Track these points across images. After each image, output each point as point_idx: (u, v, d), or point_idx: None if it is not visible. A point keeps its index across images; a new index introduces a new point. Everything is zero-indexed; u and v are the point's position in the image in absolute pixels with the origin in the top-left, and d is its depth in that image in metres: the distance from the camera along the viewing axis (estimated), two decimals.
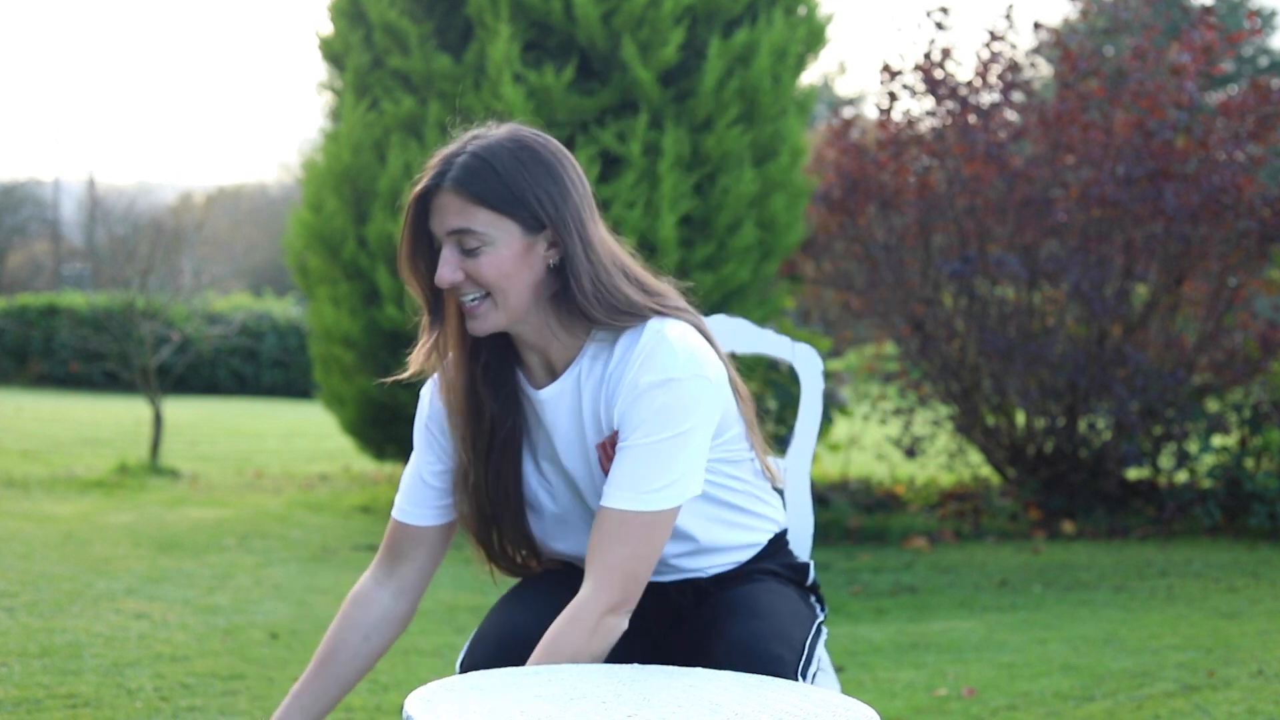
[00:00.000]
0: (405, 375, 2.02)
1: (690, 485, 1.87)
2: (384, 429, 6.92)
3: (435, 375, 2.04)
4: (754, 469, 2.04)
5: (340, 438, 8.39)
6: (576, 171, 1.92)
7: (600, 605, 1.81)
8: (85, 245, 22.89)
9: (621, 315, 1.88)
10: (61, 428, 10.96)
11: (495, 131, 1.90)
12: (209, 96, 66.83)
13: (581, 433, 1.94)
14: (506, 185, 1.85)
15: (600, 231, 1.92)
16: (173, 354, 10.97)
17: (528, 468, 2.02)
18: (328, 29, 7.09)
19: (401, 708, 1.64)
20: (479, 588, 5.04)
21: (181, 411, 12.53)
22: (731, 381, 1.96)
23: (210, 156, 59.57)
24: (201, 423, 12.12)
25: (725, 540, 2.03)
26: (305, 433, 11.56)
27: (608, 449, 1.91)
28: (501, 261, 1.85)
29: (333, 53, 7.07)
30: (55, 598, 4.41)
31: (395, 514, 2.08)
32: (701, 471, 1.89)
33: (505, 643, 1.90)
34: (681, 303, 1.97)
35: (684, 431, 1.85)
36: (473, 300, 1.88)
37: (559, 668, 1.72)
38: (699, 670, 1.73)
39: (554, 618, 1.89)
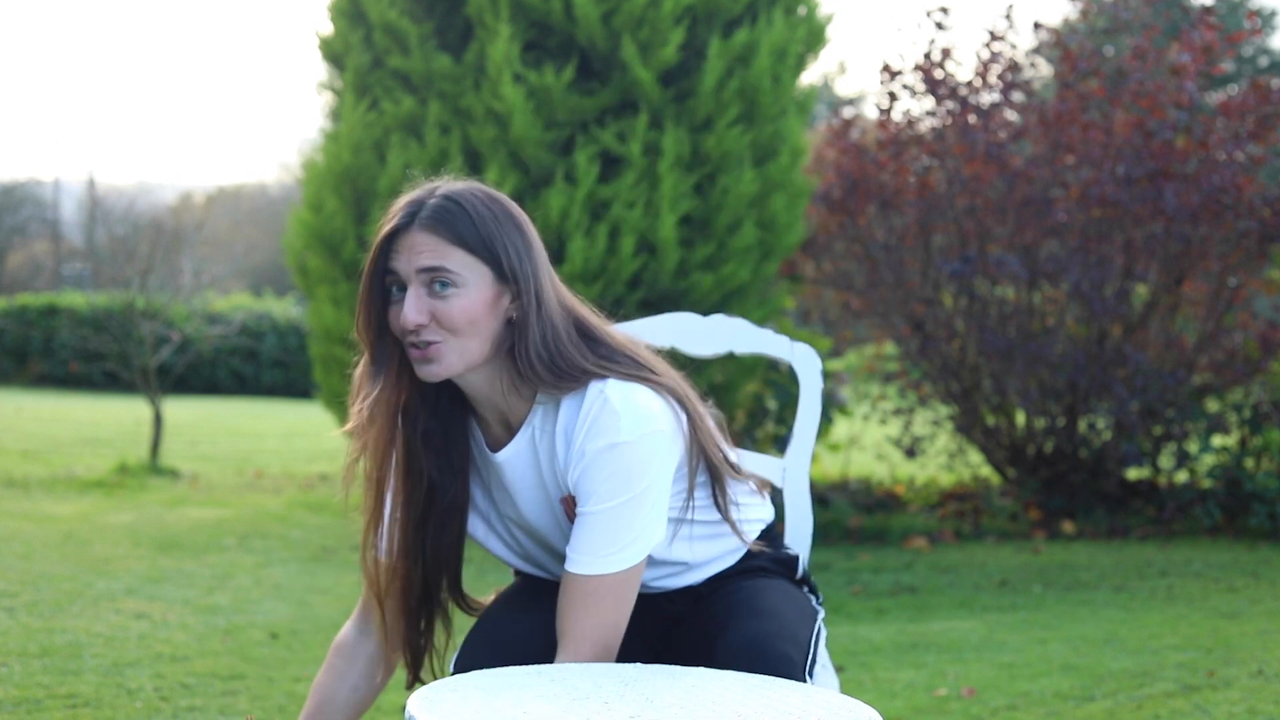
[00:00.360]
0: (350, 426, 1.97)
1: (652, 538, 1.86)
2: None
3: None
4: (726, 481, 2.01)
5: (340, 438, 8.38)
6: (535, 232, 1.91)
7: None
8: (85, 245, 22.89)
9: (564, 378, 1.85)
10: (61, 428, 10.96)
11: (457, 183, 1.88)
12: (209, 96, 66.84)
13: (544, 489, 1.93)
14: (479, 231, 1.83)
15: (555, 293, 1.90)
16: (173, 354, 10.97)
17: (479, 529, 2.01)
18: (328, 29, 7.09)
19: (403, 708, 1.64)
20: (477, 588, 5.03)
21: (181, 411, 12.53)
22: (686, 405, 1.91)
23: (210, 156, 59.59)
24: (201, 423, 12.12)
25: (713, 553, 2.04)
26: (305, 433, 11.56)
27: (570, 505, 1.90)
28: (471, 306, 1.82)
29: (333, 53, 7.07)
30: (55, 598, 4.41)
31: (368, 561, 2.03)
32: (663, 521, 1.87)
33: (497, 649, 1.90)
34: (636, 350, 1.93)
35: (639, 493, 1.83)
36: (428, 344, 1.84)
37: (563, 667, 1.73)
38: (701, 670, 1.73)
39: (544, 625, 1.89)
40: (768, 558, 2.08)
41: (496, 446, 1.95)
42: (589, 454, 1.83)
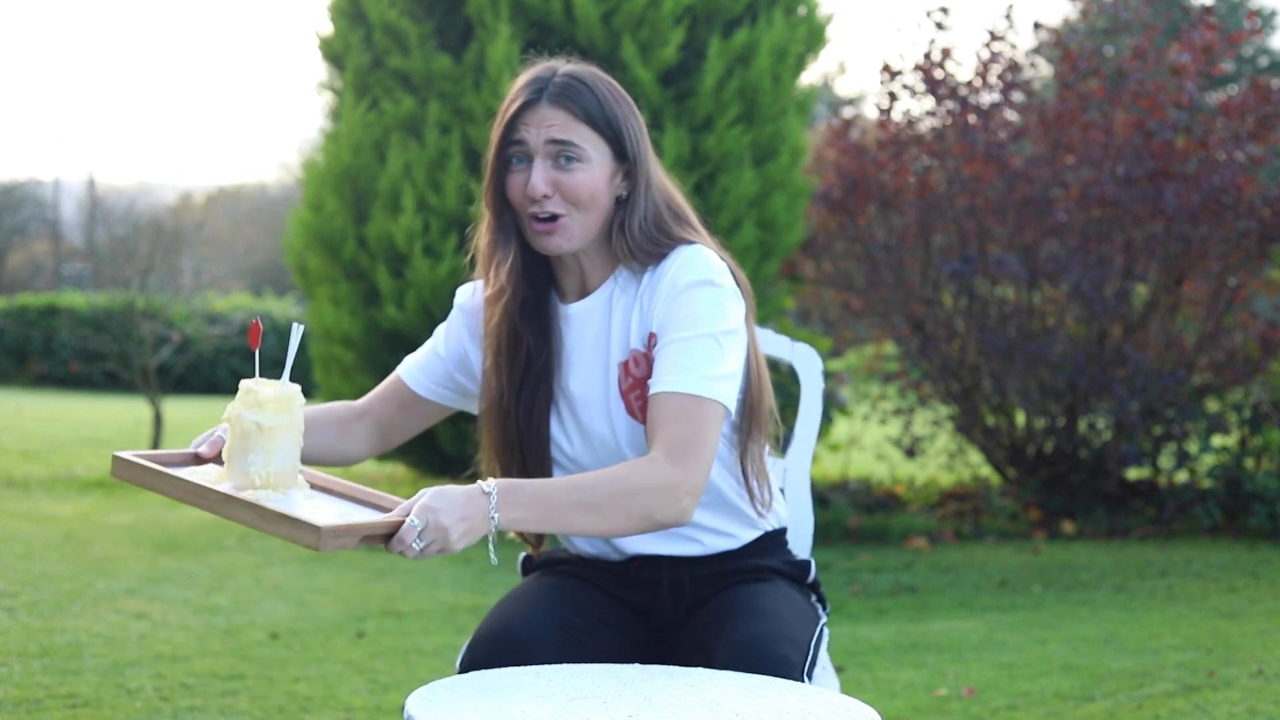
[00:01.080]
0: (490, 292, 2.01)
1: (732, 392, 1.88)
2: None
3: (478, 282, 2.07)
4: (755, 462, 2.02)
5: None
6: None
7: (671, 472, 1.78)
8: (85, 245, 22.89)
9: (660, 247, 1.94)
10: (61, 428, 10.96)
11: (579, 64, 1.95)
12: (209, 96, 66.85)
13: (605, 349, 1.96)
14: (604, 110, 1.91)
15: (659, 173, 1.99)
16: (173, 354, 10.97)
17: (552, 408, 2.03)
18: (328, 29, 7.09)
19: (402, 708, 1.65)
20: (479, 588, 5.04)
21: (181, 411, 12.53)
22: (747, 318, 1.98)
23: (210, 156, 59.57)
24: (201, 423, 12.10)
25: (721, 524, 2.02)
26: None
27: (630, 367, 1.94)
28: (594, 180, 1.90)
29: (333, 53, 7.08)
30: (55, 598, 4.41)
31: (400, 371, 2.11)
32: (735, 394, 1.90)
33: (505, 644, 1.88)
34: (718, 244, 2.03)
35: (727, 331, 1.88)
36: (551, 218, 1.90)
37: (561, 668, 1.72)
38: (700, 670, 1.73)
39: (554, 621, 1.89)
40: (780, 560, 2.08)
41: (567, 303, 2.00)
42: (680, 285, 1.89)
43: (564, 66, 1.94)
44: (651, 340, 1.92)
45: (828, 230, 7.09)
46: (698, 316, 1.87)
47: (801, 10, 6.87)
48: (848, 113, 7.95)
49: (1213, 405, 6.67)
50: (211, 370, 17.18)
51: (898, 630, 4.42)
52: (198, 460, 1.86)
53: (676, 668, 1.74)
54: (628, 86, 6.27)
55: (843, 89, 29.41)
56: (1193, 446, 6.58)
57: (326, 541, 1.59)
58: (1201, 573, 5.24)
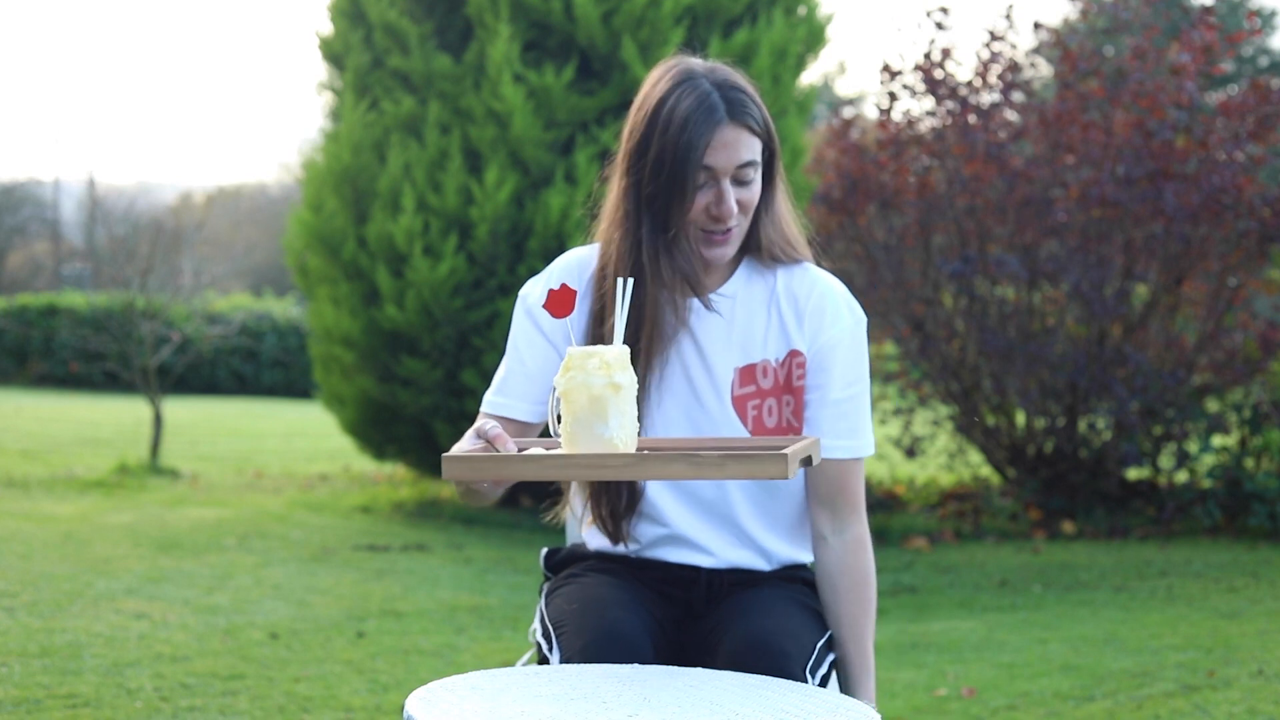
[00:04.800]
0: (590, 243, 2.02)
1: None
2: (384, 429, 6.93)
3: (573, 257, 2.02)
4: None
5: (340, 438, 8.39)
6: None
7: (865, 537, 1.99)
8: (85, 245, 22.89)
9: (790, 249, 1.98)
10: (61, 428, 10.96)
11: (717, 65, 1.92)
12: (209, 96, 66.86)
13: (724, 350, 1.95)
14: (763, 116, 1.91)
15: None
16: (173, 354, 10.97)
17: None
18: (328, 29, 7.09)
19: (402, 708, 1.65)
20: (479, 588, 5.04)
21: (181, 411, 12.54)
22: None
23: (210, 156, 59.57)
24: (201, 423, 12.12)
25: (778, 548, 2.03)
26: (305, 433, 11.56)
27: (757, 375, 1.94)
28: (759, 189, 1.92)
29: (333, 53, 7.08)
30: (55, 598, 4.41)
31: (485, 407, 1.98)
32: None
33: (618, 644, 1.82)
34: None
35: (867, 378, 1.99)
36: (726, 230, 1.90)
37: (560, 668, 1.72)
38: (699, 670, 1.73)
39: (655, 623, 1.90)
40: (808, 571, 2.08)
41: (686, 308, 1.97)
42: (849, 325, 1.96)
43: (706, 70, 1.90)
44: (794, 359, 1.94)
45: (828, 230, 7.09)
46: (863, 366, 1.97)
47: (801, 10, 6.87)
48: (848, 113, 7.95)
49: (1213, 405, 6.67)
50: (211, 370, 17.18)
51: (898, 630, 4.42)
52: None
53: (676, 667, 1.74)
54: (628, 87, 6.28)
55: (843, 89, 29.41)
56: (1193, 446, 6.58)
57: (792, 464, 1.50)
58: (1201, 573, 5.24)
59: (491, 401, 1.97)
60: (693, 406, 1.96)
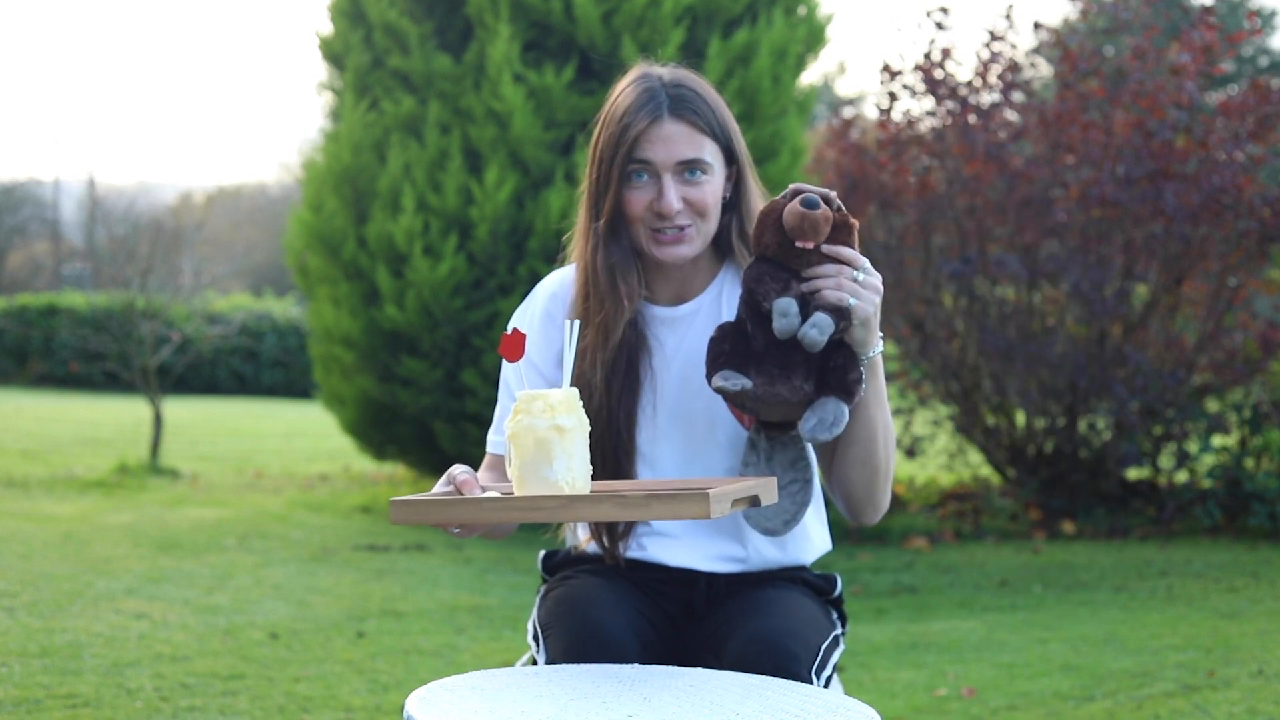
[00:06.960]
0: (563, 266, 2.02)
1: None
2: (384, 429, 6.93)
3: (554, 282, 2.02)
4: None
5: (340, 438, 8.39)
6: None
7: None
8: (85, 245, 22.89)
9: None
10: (61, 428, 10.96)
11: (678, 69, 1.93)
12: (209, 96, 66.85)
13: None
14: (717, 117, 1.90)
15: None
16: (173, 354, 10.97)
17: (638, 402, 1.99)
18: (328, 29, 7.09)
19: (402, 708, 1.65)
20: (479, 588, 5.04)
21: (181, 411, 12.54)
22: None
23: (210, 156, 59.58)
24: (201, 423, 12.12)
25: (774, 556, 2.03)
26: (305, 433, 11.56)
27: None
28: (716, 190, 1.91)
29: (333, 53, 7.08)
30: (55, 598, 4.41)
31: (488, 447, 2.01)
32: None
33: (600, 644, 1.82)
34: None
35: None
36: (677, 230, 1.89)
37: (561, 668, 1.72)
38: (699, 670, 1.73)
39: (644, 622, 1.90)
40: (810, 572, 2.08)
41: (666, 306, 1.99)
42: None
43: (664, 73, 1.92)
44: None
45: None
46: None
47: (801, 10, 6.87)
48: (848, 113, 7.95)
49: (1213, 405, 6.67)
50: (211, 370, 17.19)
51: (898, 630, 4.42)
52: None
53: (676, 668, 1.74)
54: None
55: (843, 89, 29.40)
56: (1193, 446, 6.58)
57: (716, 505, 1.51)
58: (1201, 573, 5.24)
59: (491, 441, 2.01)
60: (693, 410, 1.96)
